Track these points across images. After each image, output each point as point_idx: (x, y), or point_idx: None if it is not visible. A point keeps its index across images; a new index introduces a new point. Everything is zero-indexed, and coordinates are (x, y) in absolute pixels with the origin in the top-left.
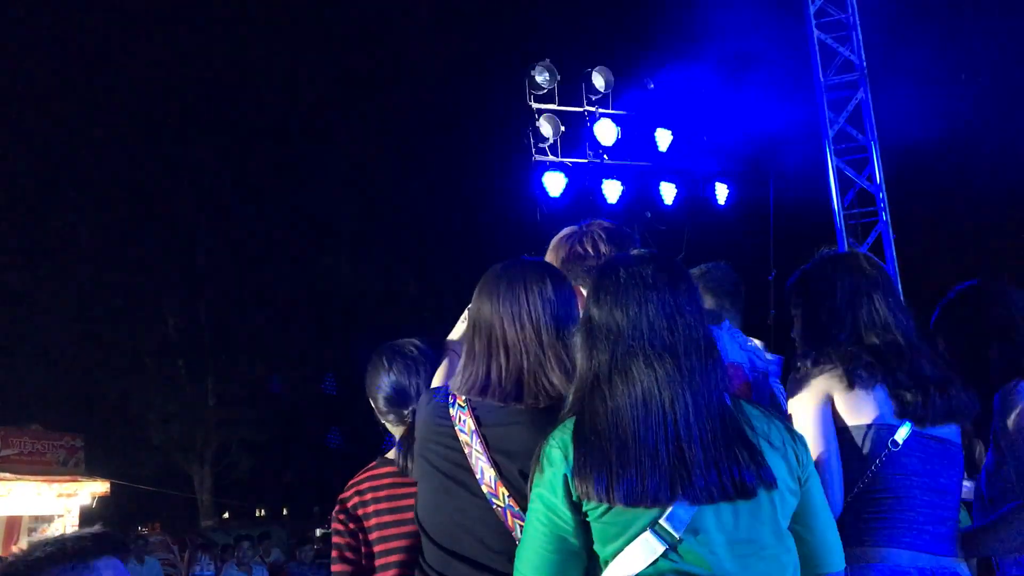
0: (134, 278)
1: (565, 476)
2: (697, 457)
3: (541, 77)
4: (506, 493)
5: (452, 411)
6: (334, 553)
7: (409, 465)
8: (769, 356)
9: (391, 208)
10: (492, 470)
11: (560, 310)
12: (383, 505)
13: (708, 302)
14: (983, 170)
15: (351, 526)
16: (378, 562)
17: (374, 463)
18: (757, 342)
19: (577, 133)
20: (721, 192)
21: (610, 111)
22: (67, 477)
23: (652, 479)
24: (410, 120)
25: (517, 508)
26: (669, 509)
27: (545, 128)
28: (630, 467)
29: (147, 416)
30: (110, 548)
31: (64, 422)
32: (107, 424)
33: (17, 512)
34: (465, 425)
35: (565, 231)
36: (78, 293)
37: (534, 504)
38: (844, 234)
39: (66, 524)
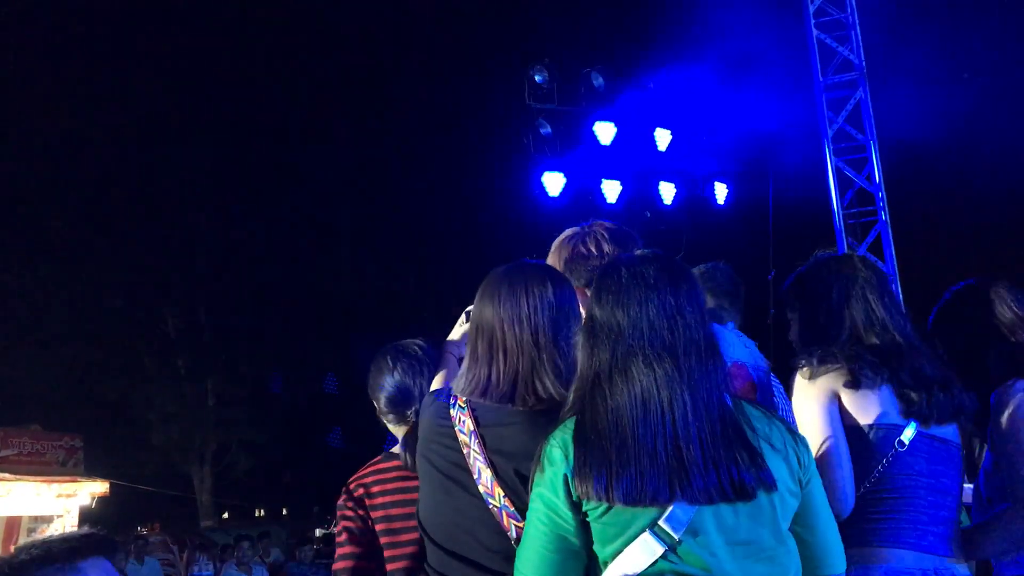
0: (134, 278)
1: (565, 476)
2: (695, 457)
3: (540, 77)
4: (502, 493)
5: (453, 412)
6: (342, 536)
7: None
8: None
9: (391, 208)
10: (489, 470)
11: (560, 314)
12: (390, 498)
13: (708, 302)
14: (982, 169)
15: (360, 512)
16: (388, 553)
17: (378, 458)
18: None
19: (576, 133)
20: (720, 192)
21: (609, 111)
22: (66, 477)
23: (651, 479)
24: (410, 120)
25: (512, 508)
26: (668, 510)
27: (544, 128)
28: (629, 466)
29: (147, 416)
30: (98, 549)
31: (64, 422)
32: (107, 424)
33: (16, 512)
34: (464, 426)
35: (567, 232)
36: (78, 293)
37: (535, 504)
38: (843, 233)
39: (66, 524)
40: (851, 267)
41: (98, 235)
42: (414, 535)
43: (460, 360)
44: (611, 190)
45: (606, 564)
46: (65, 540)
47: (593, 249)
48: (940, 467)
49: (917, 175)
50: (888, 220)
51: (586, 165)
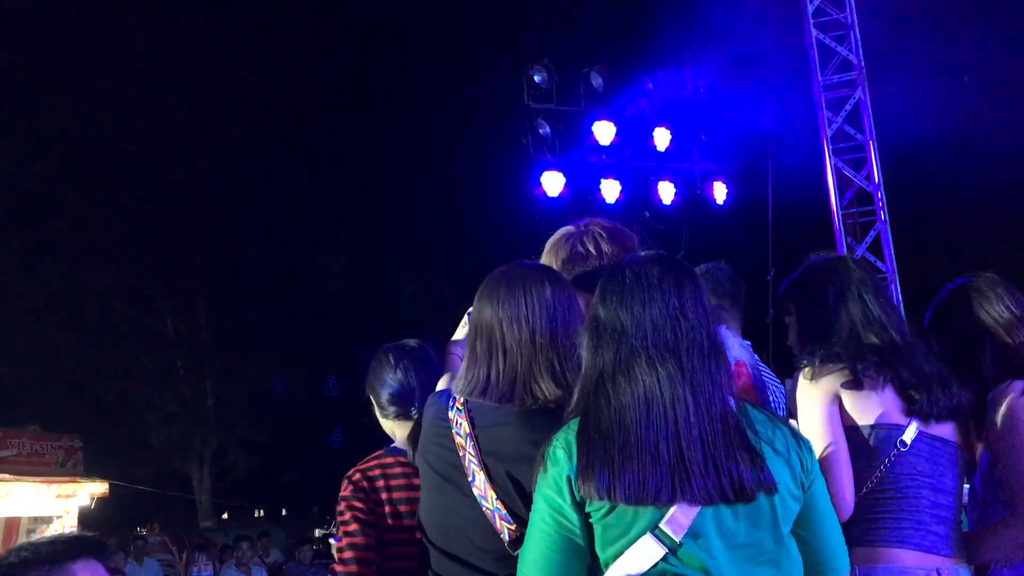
0: (134, 278)
1: (569, 477)
2: (696, 457)
3: (539, 77)
4: (494, 496)
5: (451, 414)
6: (349, 522)
7: None
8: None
9: (391, 208)
10: (482, 473)
11: (558, 314)
12: (398, 495)
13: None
14: (981, 169)
15: (368, 500)
16: (397, 551)
17: (379, 452)
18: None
19: (575, 133)
20: (720, 191)
21: (608, 111)
22: (66, 478)
23: (654, 478)
24: (409, 120)
25: (505, 511)
26: (670, 512)
27: (544, 128)
28: (632, 466)
29: (146, 417)
30: (87, 551)
31: (63, 423)
32: (106, 425)
33: (16, 513)
34: (461, 428)
35: (563, 231)
36: (78, 293)
37: (538, 505)
38: (843, 233)
39: (65, 525)
40: (845, 268)
41: (98, 235)
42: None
43: None
44: (610, 190)
45: (607, 566)
46: (54, 543)
47: (592, 249)
48: (941, 467)
49: (916, 175)
50: (887, 220)
51: (586, 165)
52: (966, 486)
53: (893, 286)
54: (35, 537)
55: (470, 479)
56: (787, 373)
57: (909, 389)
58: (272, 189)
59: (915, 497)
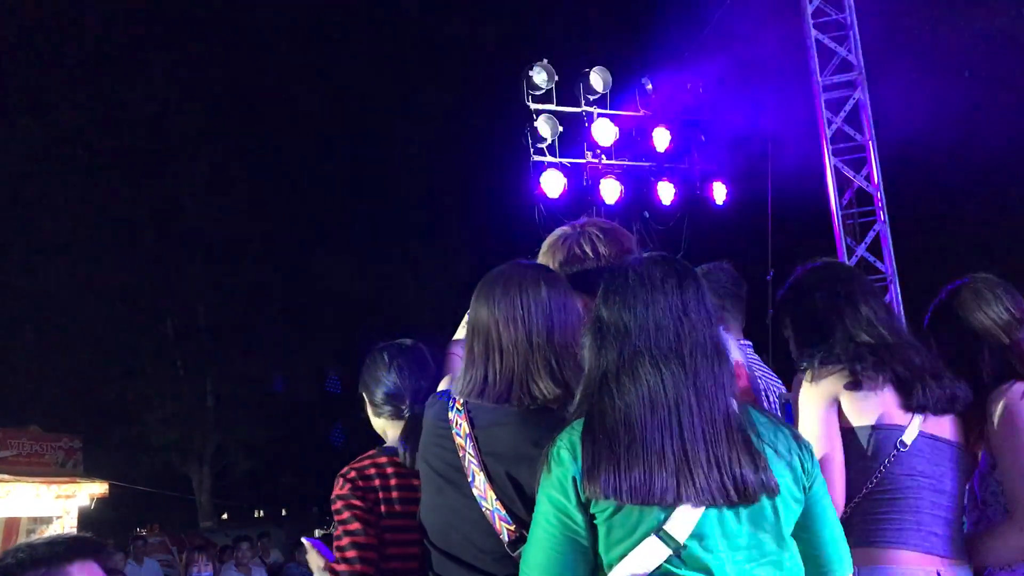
0: (133, 278)
1: (574, 477)
2: (700, 459)
3: (539, 77)
4: (494, 496)
5: (451, 414)
6: (346, 515)
7: (416, 459)
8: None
9: (391, 208)
10: (482, 473)
11: (554, 313)
12: (393, 494)
13: None
14: (981, 169)
15: (367, 497)
16: (393, 551)
17: (373, 451)
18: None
19: (575, 133)
20: (719, 192)
21: (608, 111)
22: (66, 478)
23: (659, 479)
24: (409, 120)
25: (504, 512)
26: (674, 513)
27: (543, 128)
28: (638, 465)
29: (146, 417)
30: (84, 552)
31: (63, 423)
32: (106, 425)
33: (16, 514)
34: (461, 428)
35: (560, 232)
36: (78, 293)
37: (543, 506)
38: (842, 234)
39: (65, 525)
40: (832, 272)
41: (98, 235)
42: (418, 547)
43: None
44: (610, 190)
45: (610, 567)
46: (51, 544)
47: (588, 251)
48: (942, 468)
49: (916, 175)
50: (887, 220)
51: (585, 165)
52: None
53: (893, 287)
54: (34, 537)
55: (470, 480)
56: (787, 373)
57: (905, 384)
58: (272, 189)
59: (915, 498)
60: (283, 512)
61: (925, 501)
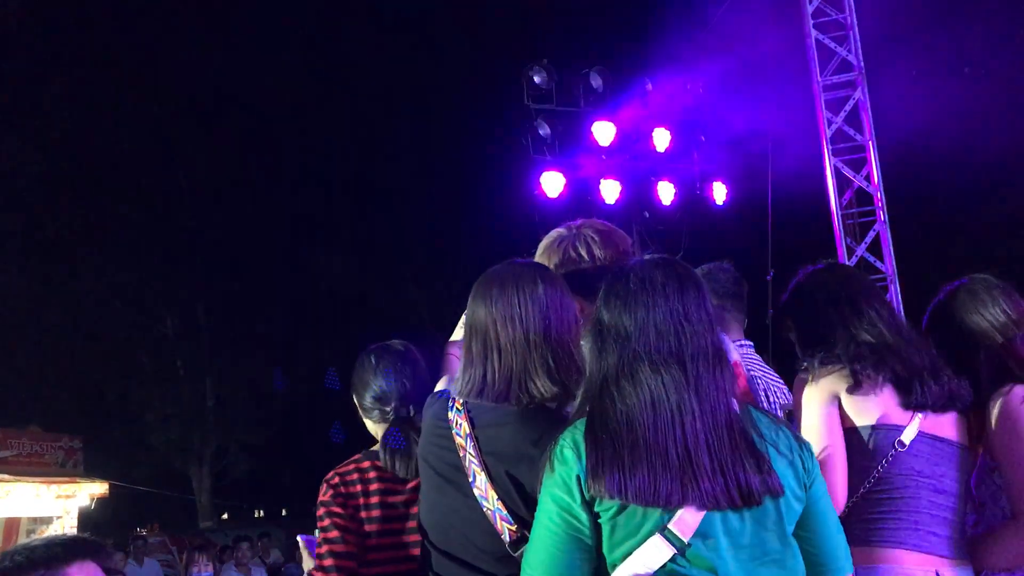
0: (133, 278)
1: (578, 476)
2: (704, 463)
3: (539, 77)
4: (495, 496)
5: (450, 414)
6: (326, 522)
7: (396, 464)
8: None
9: (391, 208)
10: (483, 473)
11: (551, 312)
12: (372, 499)
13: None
14: (981, 170)
15: (348, 506)
16: (372, 555)
17: (358, 455)
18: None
19: (575, 133)
20: (719, 192)
21: (608, 111)
22: (66, 478)
23: (664, 480)
24: (409, 120)
25: (505, 511)
26: (678, 513)
27: (543, 128)
28: (642, 467)
29: (146, 417)
30: (83, 553)
31: (63, 423)
32: (106, 425)
33: (16, 514)
34: (461, 428)
35: (556, 234)
36: (78, 293)
37: (546, 504)
38: (842, 234)
39: (65, 525)
40: (833, 274)
41: (98, 235)
42: (401, 552)
43: None
44: (610, 190)
45: (614, 566)
46: (49, 545)
47: (584, 253)
48: (941, 468)
49: (916, 175)
50: (887, 220)
51: (585, 165)
52: None
53: (893, 287)
54: (34, 537)
55: (471, 479)
56: (787, 373)
57: (904, 383)
58: (272, 188)
59: (913, 498)
60: (283, 512)
61: (924, 501)
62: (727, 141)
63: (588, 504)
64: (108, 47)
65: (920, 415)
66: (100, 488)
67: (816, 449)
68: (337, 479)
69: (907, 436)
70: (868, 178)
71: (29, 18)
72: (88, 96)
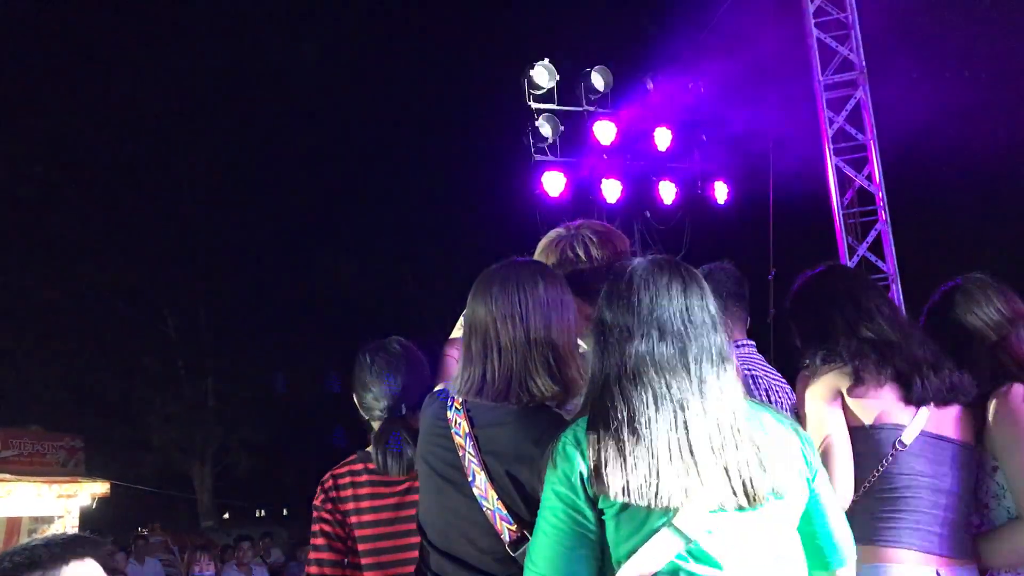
0: (134, 278)
1: (581, 473)
2: (707, 462)
3: (540, 77)
4: (495, 496)
5: (449, 414)
6: (315, 528)
7: (388, 464)
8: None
9: (391, 207)
10: (483, 473)
11: (551, 311)
12: (363, 503)
13: None
14: (982, 169)
15: (336, 515)
16: (366, 560)
17: (354, 456)
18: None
19: (576, 133)
20: (720, 191)
21: (609, 111)
22: (67, 478)
23: (666, 480)
24: (409, 120)
25: (505, 511)
26: (682, 511)
27: (544, 128)
28: (644, 467)
29: (147, 417)
30: (84, 551)
31: (64, 423)
32: (107, 425)
33: (17, 513)
34: (460, 428)
35: (554, 234)
36: (77, 293)
37: (550, 502)
38: (843, 233)
39: (66, 525)
40: (834, 274)
41: (98, 235)
42: (395, 555)
43: None
44: (611, 190)
45: (619, 564)
46: (48, 545)
47: (581, 254)
48: (943, 467)
49: (917, 175)
50: (888, 220)
51: (586, 165)
52: None
53: (894, 286)
54: (35, 537)
55: (470, 479)
56: (788, 373)
57: (905, 379)
58: (273, 188)
59: (914, 497)
60: (284, 512)
61: (924, 500)
62: (728, 140)
63: (592, 500)
64: (108, 47)
65: (923, 410)
66: (101, 488)
67: (819, 443)
68: (331, 482)
69: (908, 436)
70: (869, 177)
71: (29, 18)
72: (88, 96)
